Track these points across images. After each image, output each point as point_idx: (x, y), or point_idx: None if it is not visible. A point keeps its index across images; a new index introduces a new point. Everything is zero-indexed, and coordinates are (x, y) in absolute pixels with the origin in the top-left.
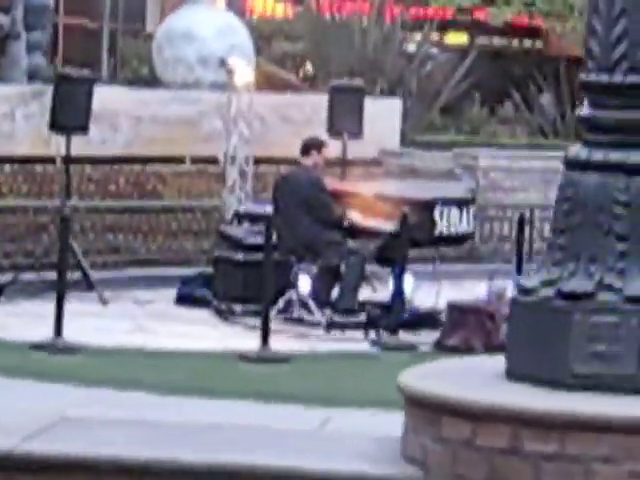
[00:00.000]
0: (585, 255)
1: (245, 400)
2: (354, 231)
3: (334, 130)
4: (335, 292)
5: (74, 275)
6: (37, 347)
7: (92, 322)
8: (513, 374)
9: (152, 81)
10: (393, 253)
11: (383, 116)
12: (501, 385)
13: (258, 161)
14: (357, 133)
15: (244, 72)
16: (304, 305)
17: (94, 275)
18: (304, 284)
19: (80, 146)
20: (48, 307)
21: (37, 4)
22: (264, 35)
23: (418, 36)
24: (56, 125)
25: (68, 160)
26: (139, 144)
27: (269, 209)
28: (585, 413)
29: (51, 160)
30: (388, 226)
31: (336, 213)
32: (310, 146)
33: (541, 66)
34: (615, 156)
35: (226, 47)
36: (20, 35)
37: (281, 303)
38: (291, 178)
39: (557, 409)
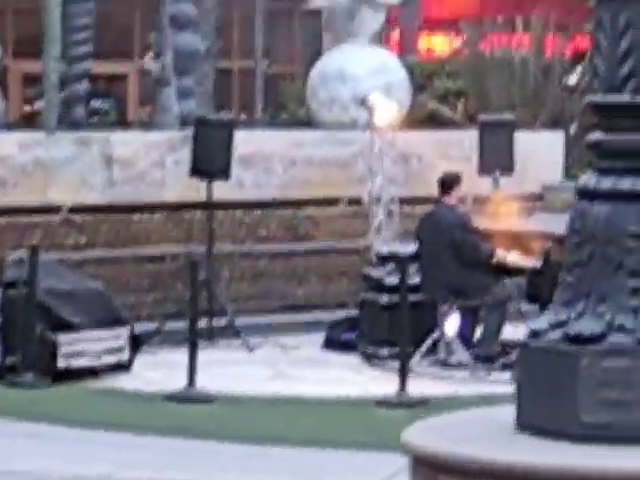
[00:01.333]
0: (595, 293)
1: (359, 449)
2: (499, 269)
3: (485, 167)
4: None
5: (221, 322)
6: (170, 398)
7: (234, 370)
8: (522, 425)
9: (309, 123)
10: (539, 290)
11: (545, 150)
12: (505, 438)
13: (415, 201)
14: (509, 168)
15: (386, 110)
16: (450, 346)
17: (245, 321)
18: (451, 325)
19: (234, 191)
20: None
21: (187, 49)
22: (426, 73)
23: (580, 68)
24: (197, 171)
25: (209, 206)
26: (293, 187)
27: (412, 249)
28: (589, 468)
29: (203, 206)
30: (531, 263)
31: (485, 254)
32: (451, 182)
33: None
34: (626, 183)
35: (381, 86)
36: (170, 81)
37: (427, 344)
38: (435, 217)
39: (556, 464)
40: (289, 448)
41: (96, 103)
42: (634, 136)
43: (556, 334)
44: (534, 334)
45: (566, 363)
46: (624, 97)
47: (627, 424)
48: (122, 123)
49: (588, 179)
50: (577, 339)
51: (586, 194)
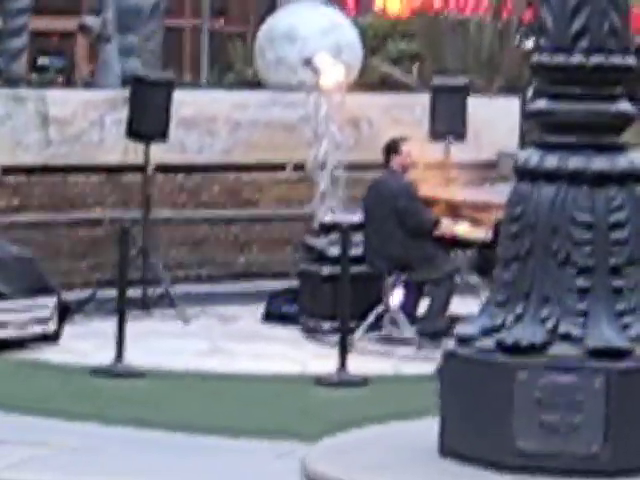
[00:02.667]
0: (536, 294)
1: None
2: (447, 241)
3: (436, 132)
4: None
5: (156, 291)
6: (97, 372)
7: (168, 342)
8: (446, 450)
9: (257, 84)
10: (489, 263)
11: (500, 116)
12: (424, 468)
13: (364, 167)
14: (461, 135)
15: (332, 71)
16: (394, 321)
17: (183, 290)
18: (396, 298)
19: (175, 154)
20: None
21: (131, 5)
22: (379, 34)
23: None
24: (134, 132)
25: (146, 169)
26: (237, 151)
27: (357, 218)
28: None
29: (141, 169)
30: (482, 234)
31: (428, 223)
32: (391, 147)
33: None
34: (575, 162)
35: (331, 46)
36: (111, 38)
37: (370, 319)
38: (379, 185)
39: None
40: (210, 436)
41: (45, 60)
42: (585, 105)
43: (489, 342)
44: (462, 340)
45: (500, 377)
46: (574, 58)
47: (571, 453)
48: (67, 81)
49: (529, 156)
50: (514, 348)
51: (526, 174)
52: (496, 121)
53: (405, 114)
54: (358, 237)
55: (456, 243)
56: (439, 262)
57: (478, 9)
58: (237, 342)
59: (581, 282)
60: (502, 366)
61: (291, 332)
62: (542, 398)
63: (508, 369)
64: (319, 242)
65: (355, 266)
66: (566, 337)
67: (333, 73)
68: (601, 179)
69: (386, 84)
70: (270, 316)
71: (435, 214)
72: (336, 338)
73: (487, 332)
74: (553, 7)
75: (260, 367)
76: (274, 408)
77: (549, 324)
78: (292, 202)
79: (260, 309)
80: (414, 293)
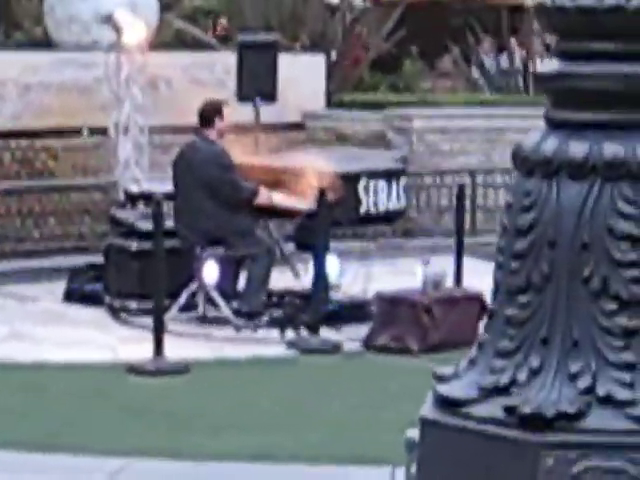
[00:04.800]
0: (560, 337)
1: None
2: (265, 212)
3: (244, 93)
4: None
5: None
6: None
7: None
8: None
9: (46, 44)
10: (311, 236)
11: (305, 74)
12: None
13: (164, 130)
14: (271, 96)
15: (134, 29)
16: (210, 300)
17: None
18: (210, 274)
19: None
20: None
21: None
22: None
23: None
24: None
25: None
26: (28, 115)
27: (166, 188)
28: None
29: None
30: (303, 205)
31: (245, 193)
32: (210, 113)
33: (480, 16)
34: (612, 148)
35: (125, 3)
36: None
37: (183, 299)
38: (189, 152)
39: None
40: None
41: None
42: (623, 67)
43: (493, 408)
44: (451, 403)
45: (515, 462)
46: None
47: None
48: None
49: (540, 140)
50: (534, 419)
51: (539, 166)
52: (301, 80)
53: (205, 74)
54: (168, 208)
55: (276, 213)
56: (256, 236)
57: None
58: (38, 325)
59: (625, 321)
60: (518, 445)
61: (96, 313)
62: None
63: (528, 450)
64: (129, 214)
65: (166, 240)
66: (608, 401)
67: (134, 31)
68: None
69: (181, 42)
70: (71, 295)
71: (253, 183)
72: (145, 319)
73: (490, 393)
74: None
75: (67, 354)
76: (90, 405)
77: (582, 383)
78: (89, 170)
79: (60, 288)
80: (231, 268)
